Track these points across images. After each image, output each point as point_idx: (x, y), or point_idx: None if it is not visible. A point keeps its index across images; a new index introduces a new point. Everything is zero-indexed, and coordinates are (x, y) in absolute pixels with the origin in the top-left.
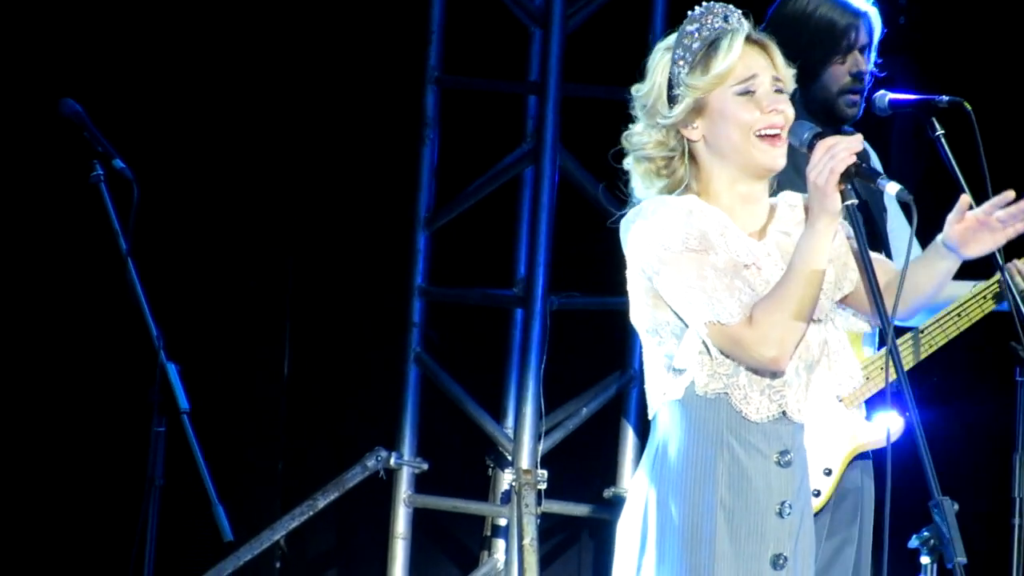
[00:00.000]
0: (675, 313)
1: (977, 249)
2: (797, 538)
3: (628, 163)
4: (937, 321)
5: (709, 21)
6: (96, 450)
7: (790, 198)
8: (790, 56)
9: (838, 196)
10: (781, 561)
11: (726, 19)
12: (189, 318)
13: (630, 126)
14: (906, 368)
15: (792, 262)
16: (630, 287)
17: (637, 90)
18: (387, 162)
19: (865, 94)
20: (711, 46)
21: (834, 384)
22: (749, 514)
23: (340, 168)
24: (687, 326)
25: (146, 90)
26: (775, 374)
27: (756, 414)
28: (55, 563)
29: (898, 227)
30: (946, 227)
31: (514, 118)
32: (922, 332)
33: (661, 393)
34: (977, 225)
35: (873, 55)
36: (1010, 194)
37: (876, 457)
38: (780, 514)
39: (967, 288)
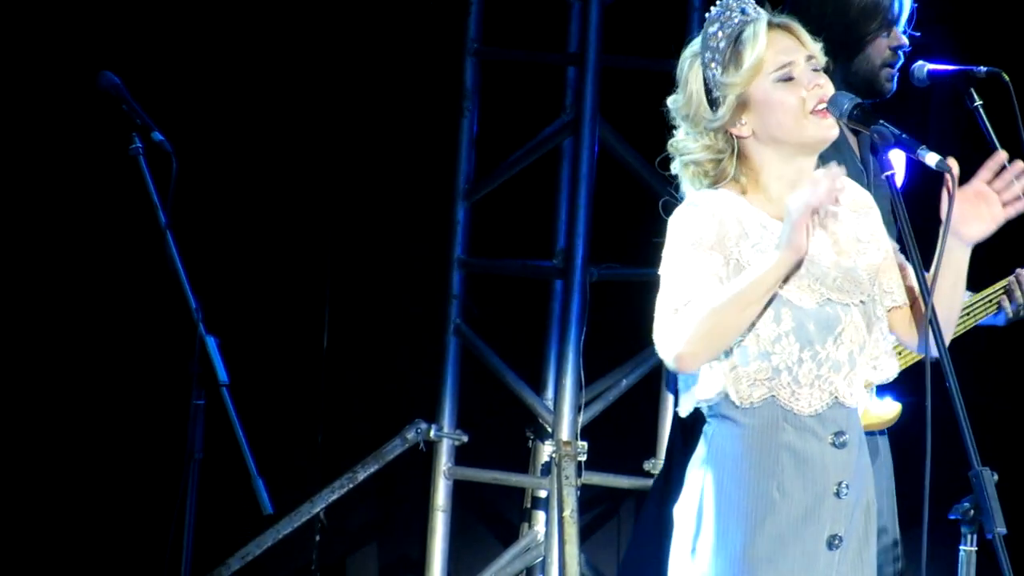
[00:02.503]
0: None
1: (976, 228)
2: (852, 517)
3: (676, 167)
4: (969, 306)
5: (729, 18)
6: (136, 423)
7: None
8: (833, 33)
9: (805, 234)
10: (836, 542)
11: (744, 12)
12: (228, 291)
13: (673, 133)
14: (914, 362)
15: (741, 277)
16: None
17: (674, 101)
18: (426, 134)
19: (900, 66)
20: (737, 41)
21: (870, 367)
22: (807, 496)
23: (380, 140)
24: None
25: (185, 62)
26: (820, 364)
27: (808, 408)
28: (95, 536)
29: None
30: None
31: (553, 89)
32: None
33: (694, 406)
34: (975, 198)
35: (902, 26)
36: (1002, 156)
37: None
38: (838, 494)
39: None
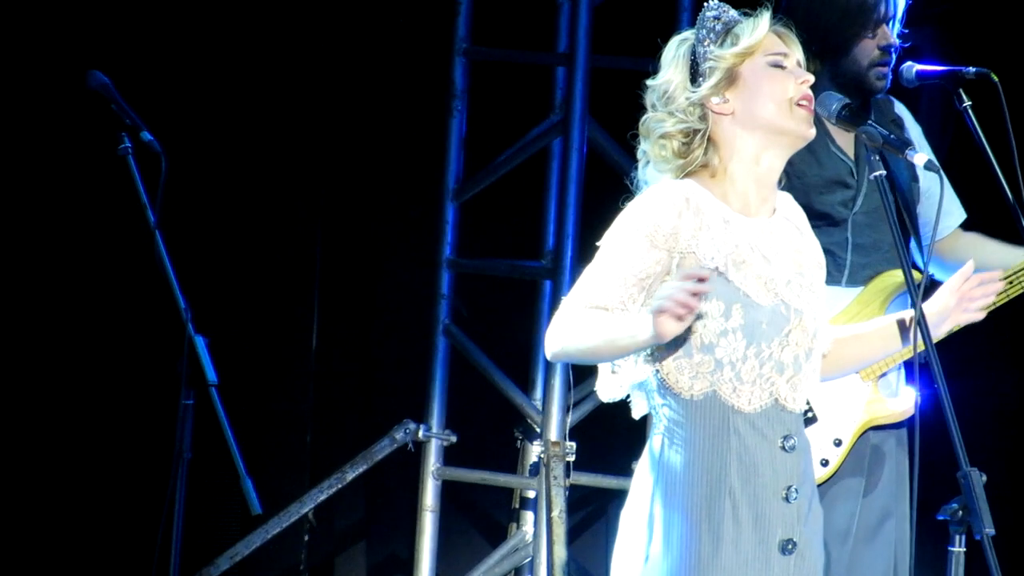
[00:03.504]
0: None
1: (944, 329)
2: (806, 522)
3: (644, 148)
4: None
5: (726, 11)
6: (125, 423)
7: (792, 203)
8: (818, 34)
9: (670, 332)
10: (789, 547)
11: (740, 14)
12: (217, 291)
13: (646, 115)
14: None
15: (619, 325)
16: None
17: (653, 81)
18: (415, 134)
19: (892, 65)
20: (735, 26)
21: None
22: (756, 500)
23: (368, 140)
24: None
25: (174, 62)
26: (763, 362)
27: (748, 405)
28: (84, 535)
29: (932, 187)
30: (942, 294)
31: (542, 89)
32: None
33: (647, 398)
34: (957, 300)
35: (897, 26)
36: (969, 267)
37: (908, 427)
38: (787, 499)
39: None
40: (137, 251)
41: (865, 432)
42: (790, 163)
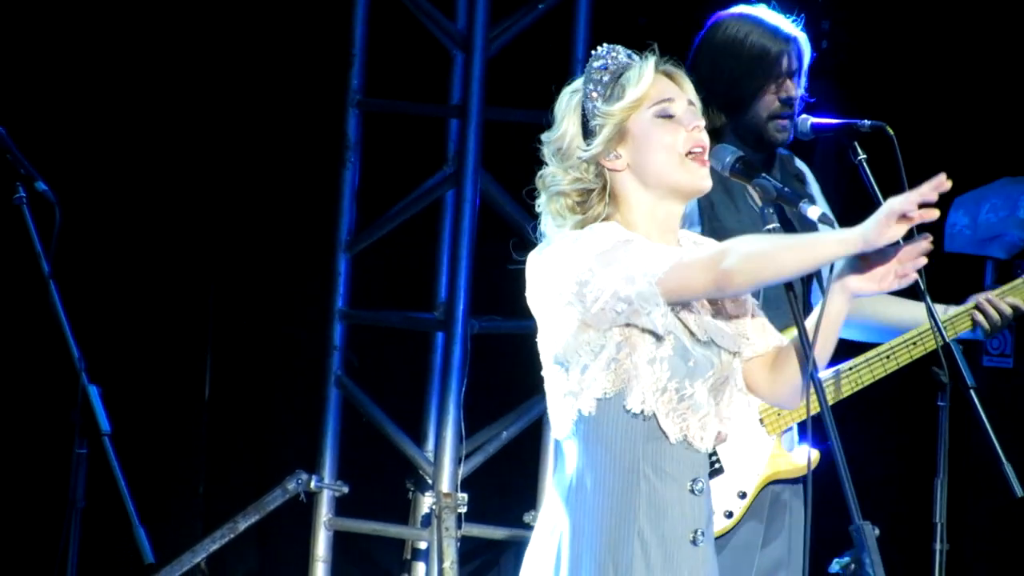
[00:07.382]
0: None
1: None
2: (707, 564)
3: (541, 203)
4: (866, 360)
5: (614, 58)
6: (17, 472)
7: (692, 236)
8: (723, 87)
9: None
10: None
11: (630, 56)
12: (111, 340)
13: (543, 169)
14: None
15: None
16: (544, 314)
17: (548, 136)
18: (308, 185)
19: (794, 118)
20: (621, 76)
21: (737, 413)
22: (665, 543)
23: (262, 190)
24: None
25: (70, 112)
26: (682, 398)
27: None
28: None
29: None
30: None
31: (436, 141)
32: (849, 369)
33: (572, 417)
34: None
35: (803, 80)
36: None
37: (804, 482)
38: (694, 542)
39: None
40: (31, 300)
41: (767, 485)
42: (711, 205)
